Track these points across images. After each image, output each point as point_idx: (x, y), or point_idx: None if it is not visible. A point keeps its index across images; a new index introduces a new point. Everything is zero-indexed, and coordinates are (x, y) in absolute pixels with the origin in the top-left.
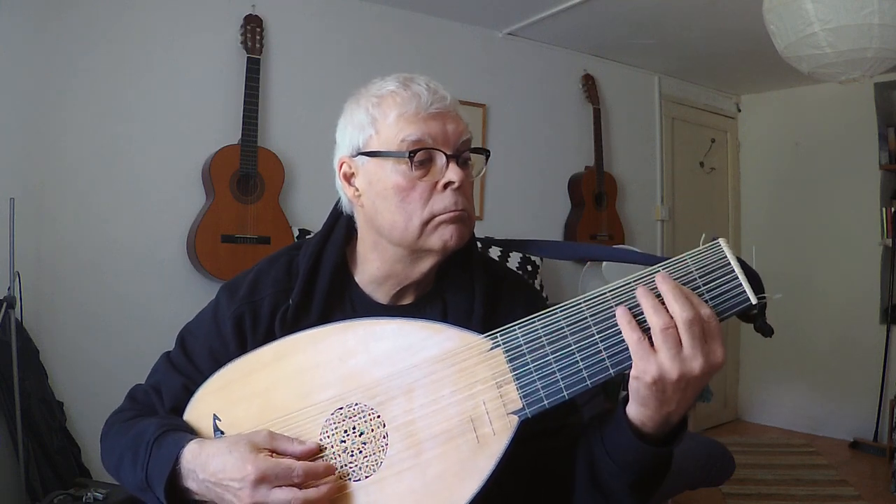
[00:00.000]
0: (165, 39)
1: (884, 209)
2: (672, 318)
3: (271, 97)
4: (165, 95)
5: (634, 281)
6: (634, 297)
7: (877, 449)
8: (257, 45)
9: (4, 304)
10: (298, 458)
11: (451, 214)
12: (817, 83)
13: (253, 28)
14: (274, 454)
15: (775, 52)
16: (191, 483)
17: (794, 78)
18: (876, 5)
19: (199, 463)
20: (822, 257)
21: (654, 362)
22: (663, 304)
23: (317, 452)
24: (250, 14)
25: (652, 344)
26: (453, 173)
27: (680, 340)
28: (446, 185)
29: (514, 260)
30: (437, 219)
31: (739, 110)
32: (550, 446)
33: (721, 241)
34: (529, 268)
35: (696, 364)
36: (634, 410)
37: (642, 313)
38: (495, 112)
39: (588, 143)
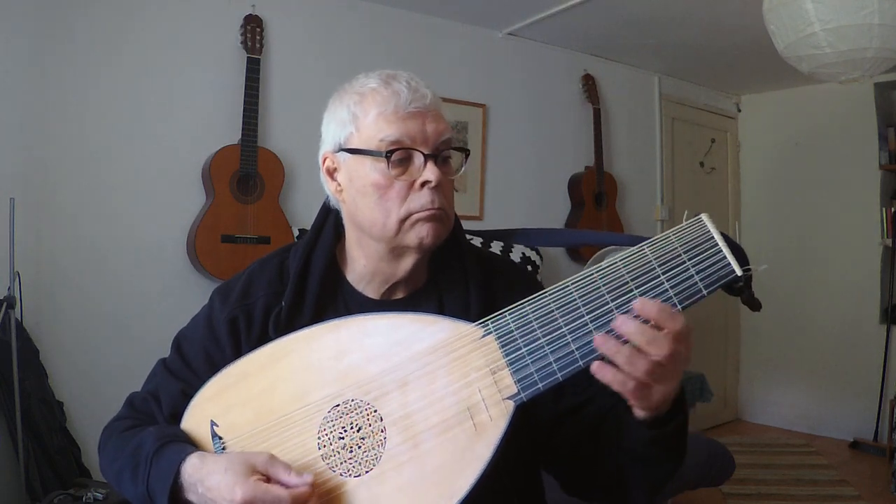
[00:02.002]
0: (165, 39)
1: (884, 209)
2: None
3: (271, 97)
4: (166, 95)
5: (621, 260)
6: (620, 278)
7: (877, 449)
8: (257, 45)
9: (4, 304)
10: (293, 488)
11: (428, 213)
12: (817, 83)
13: (253, 28)
14: (270, 480)
15: (775, 51)
16: (192, 496)
17: (794, 78)
18: (876, 5)
19: (200, 477)
20: (822, 257)
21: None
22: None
23: (310, 486)
24: (250, 14)
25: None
26: (430, 172)
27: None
28: (423, 184)
29: (514, 256)
30: (414, 216)
31: (739, 110)
32: (580, 424)
33: (703, 216)
34: (529, 267)
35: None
36: (640, 412)
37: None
38: (495, 112)
39: (588, 143)
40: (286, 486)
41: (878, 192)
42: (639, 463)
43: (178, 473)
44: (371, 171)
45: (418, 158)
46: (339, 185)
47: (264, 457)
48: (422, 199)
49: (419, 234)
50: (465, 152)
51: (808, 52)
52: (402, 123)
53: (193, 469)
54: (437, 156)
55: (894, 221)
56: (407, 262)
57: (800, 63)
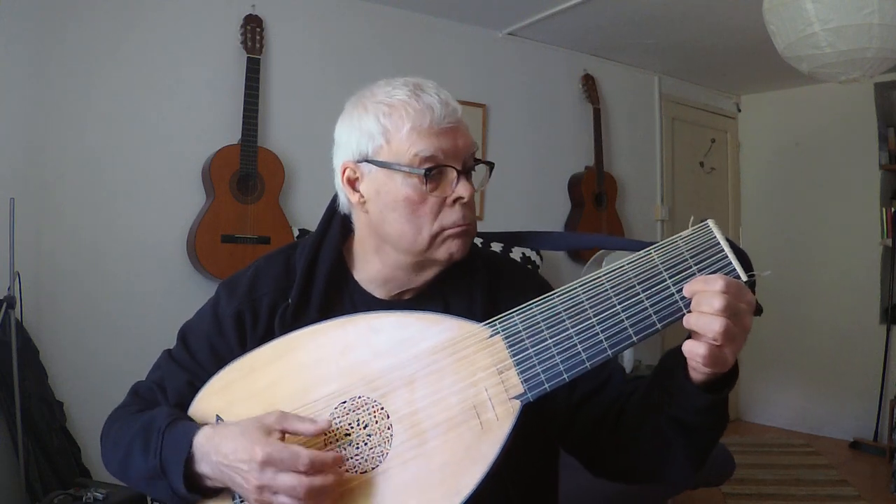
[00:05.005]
0: (165, 39)
1: (884, 209)
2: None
3: (271, 97)
4: (166, 95)
5: (628, 264)
6: (627, 281)
7: (877, 449)
8: (257, 45)
9: (4, 304)
10: (310, 437)
11: (460, 229)
12: (817, 83)
13: (253, 28)
14: (286, 434)
15: (775, 51)
16: (204, 466)
17: (794, 78)
18: (876, 5)
19: (213, 445)
20: (822, 257)
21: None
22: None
23: (327, 430)
24: (250, 14)
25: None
26: (463, 189)
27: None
28: (456, 200)
29: (513, 256)
30: (446, 232)
31: (739, 110)
32: (601, 405)
33: (710, 221)
34: (529, 266)
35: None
36: (702, 377)
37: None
38: (495, 112)
39: (588, 143)
40: (304, 435)
41: (878, 192)
42: (686, 433)
43: (191, 445)
44: (403, 185)
45: (451, 174)
46: (363, 196)
47: (275, 415)
48: (454, 216)
49: (449, 249)
50: (490, 165)
51: (808, 52)
52: (436, 139)
53: (205, 438)
54: (468, 172)
55: (894, 221)
56: (429, 274)
57: (800, 63)
